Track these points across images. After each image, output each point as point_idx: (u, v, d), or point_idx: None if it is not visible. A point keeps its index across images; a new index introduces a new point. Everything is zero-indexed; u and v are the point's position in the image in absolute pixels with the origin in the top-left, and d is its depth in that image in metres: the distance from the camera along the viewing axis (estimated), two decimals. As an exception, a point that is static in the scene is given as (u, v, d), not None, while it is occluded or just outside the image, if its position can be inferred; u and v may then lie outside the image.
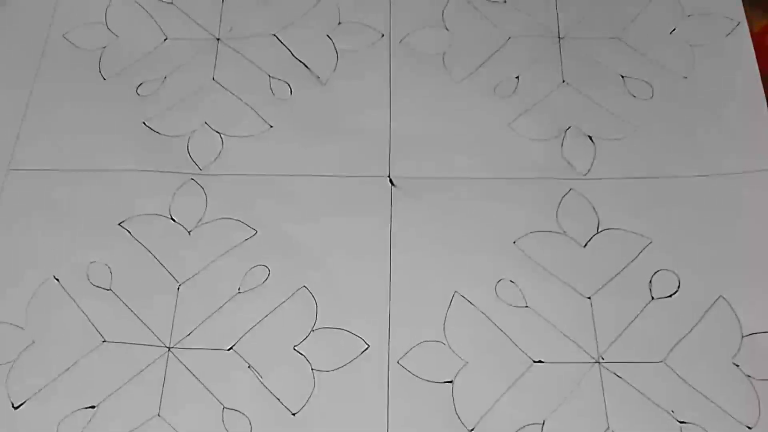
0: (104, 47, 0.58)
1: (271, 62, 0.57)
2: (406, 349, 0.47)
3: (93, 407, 0.45)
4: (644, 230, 0.50)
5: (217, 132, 0.54)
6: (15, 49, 0.58)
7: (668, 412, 0.44)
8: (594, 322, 0.47)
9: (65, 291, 0.49)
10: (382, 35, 0.58)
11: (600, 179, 0.52)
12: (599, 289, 0.48)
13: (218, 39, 0.58)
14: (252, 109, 0.55)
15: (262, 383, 0.46)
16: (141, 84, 0.56)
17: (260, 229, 0.51)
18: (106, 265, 0.50)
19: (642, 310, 0.47)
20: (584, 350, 0.46)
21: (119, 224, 0.51)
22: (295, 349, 0.47)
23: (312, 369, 0.46)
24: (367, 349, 0.47)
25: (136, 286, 0.49)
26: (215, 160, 0.53)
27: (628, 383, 0.45)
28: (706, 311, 0.47)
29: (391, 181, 0.52)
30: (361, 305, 0.48)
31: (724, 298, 0.47)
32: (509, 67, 0.56)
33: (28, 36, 0.59)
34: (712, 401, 0.44)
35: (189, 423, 0.45)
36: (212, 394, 0.46)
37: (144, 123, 0.55)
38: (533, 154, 0.53)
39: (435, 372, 0.46)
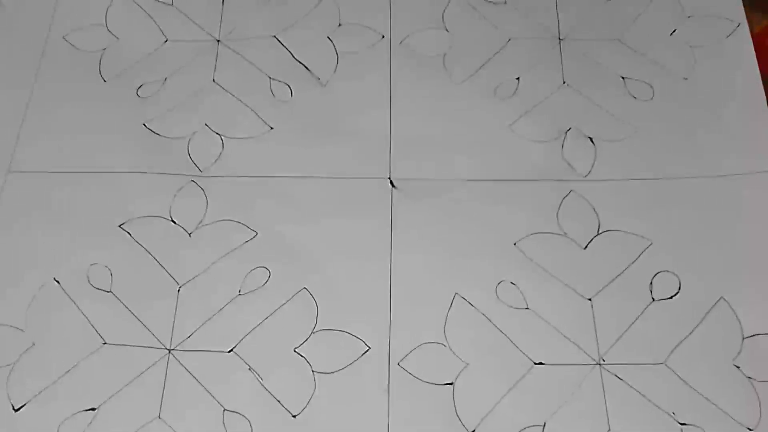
0: (104, 49, 0.58)
1: (272, 64, 0.57)
2: (406, 350, 0.47)
3: (93, 409, 0.45)
4: (645, 232, 0.50)
5: (217, 134, 0.54)
6: (15, 51, 0.58)
7: (669, 414, 0.44)
8: (595, 323, 0.47)
9: (65, 293, 0.49)
10: (383, 37, 0.58)
11: (600, 181, 0.52)
12: (600, 290, 0.48)
13: (218, 40, 0.58)
14: (252, 110, 0.55)
15: (262, 385, 0.46)
16: (141, 86, 0.56)
17: (261, 231, 0.51)
18: (107, 267, 0.50)
19: (643, 312, 0.47)
20: (585, 352, 0.46)
21: (119, 226, 0.51)
22: (295, 351, 0.47)
23: (312, 371, 0.46)
24: (367, 351, 0.47)
25: (137, 288, 0.49)
26: (215, 161, 0.53)
27: (629, 385, 0.45)
28: (707, 313, 0.47)
29: (391, 182, 0.52)
30: (362, 307, 0.48)
31: (724, 299, 0.47)
32: (510, 69, 0.56)
33: (28, 38, 0.59)
34: (713, 403, 0.44)
35: (189, 425, 0.45)
36: (213, 396, 0.46)
37: (144, 125, 0.55)
38: (534, 156, 0.53)
39: (435, 374, 0.46)
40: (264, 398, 0.46)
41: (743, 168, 0.51)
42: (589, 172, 0.52)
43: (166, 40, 0.59)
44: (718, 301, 0.47)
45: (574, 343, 0.46)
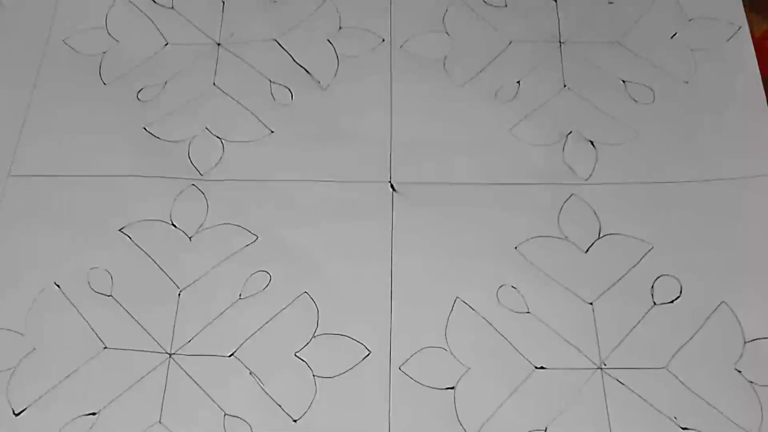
0: (105, 52, 0.58)
1: (272, 67, 0.57)
2: (407, 355, 0.47)
3: (94, 414, 0.45)
4: (646, 235, 0.49)
5: (217, 137, 0.54)
6: (15, 55, 0.58)
7: (671, 419, 0.44)
8: (596, 327, 0.47)
9: (66, 297, 0.49)
10: (383, 40, 0.58)
11: (601, 184, 0.52)
12: (601, 294, 0.48)
13: (219, 44, 0.58)
14: (253, 114, 0.55)
15: (263, 390, 0.46)
16: (142, 89, 0.56)
17: (261, 235, 0.51)
18: (107, 271, 0.50)
19: (644, 316, 0.47)
20: (586, 356, 0.46)
21: (120, 230, 0.51)
22: (296, 356, 0.47)
23: (313, 375, 0.46)
24: (368, 355, 0.47)
25: (137, 292, 0.49)
26: (216, 165, 0.53)
27: (630, 389, 0.45)
28: (708, 317, 0.47)
29: (392, 186, 0.52)
30: (363, 311, 0.48)
31: (726, 303, 0.47)
32: (510, 72, 0.56)
33: (29, 41, 0.59)
34: (714, 407, 0.44)
35: (190, 430, 0.45)
36: (213, 401, 0.46)
37: (144, 128, 0.55)
38: (534, 159, 0.53)
39: (437, 378, 0.46)
40: (265, 403, 0.45)
41: (745, 171, 0.51)
42: (590, 175, 0.52)
43: (167, 44, 0.59)
44: (719, 305, 0.47)
45: (575, 347, 0.46)
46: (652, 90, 0.55)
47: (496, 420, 0.44)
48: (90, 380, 0.46)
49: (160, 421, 0.45)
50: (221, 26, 0.59)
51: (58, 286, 0.49)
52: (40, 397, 0.46)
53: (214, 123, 0.55)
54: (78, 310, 0.48)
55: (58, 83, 0.57)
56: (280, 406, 0.45)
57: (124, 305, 0.49)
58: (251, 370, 0.46)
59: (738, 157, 0.52)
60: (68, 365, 0.47)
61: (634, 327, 0.47)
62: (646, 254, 0.49)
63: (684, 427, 0.44)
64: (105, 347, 0.47)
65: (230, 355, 0.47)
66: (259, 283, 0.49)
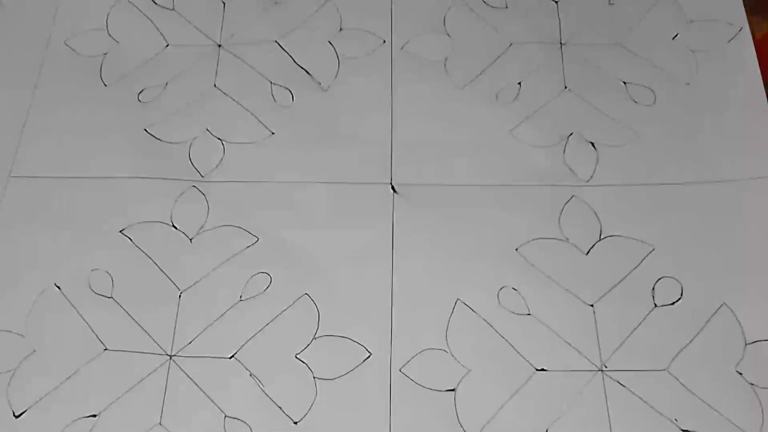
0: (105, 54, 0.58)
1: (273, 68, 0.57)
2: (408, 357, 0.47)
3: (94, 416, 0.45)
4: (647, 237, 0.49)
5: (218, 138, 0.54)
6: (16, 56, 0.58)
7: (671, 421, 0.44)
8: (597, 329, 0.47)
9: (66, 299, 0.49)
10: (384, 41, 0.58)
11: (602, 186, 0.52)
12: (602, 296, 0.48)
13: (219, 45, 0.58)
14: (253, 115, 0.55)
15: (263, 391, 0.46)
16: (142, 90, 0.56)
17: (262, 237, 0.51)
18: (107, 272, 0.50)
19: (645, 318, 0.47)
20: (587, 358, 0.46)
21: (120, 231, 0.51)
22: (296, 357, 0.47)
23: (314, 377, 0.46)
24: (369, 357, 0.47)
25: (138, 294, 0.49)
26: (217, 166, 0.53)
27: (631, 391, 0.45)
28: (709, 319, 0.47)
29: (393, 188, 0.52)
30: (363, 313, 0.48)
31: (727, 305, 0.47)
32: (511, 74, 0.56)
33: (29, 43, 0.59)
34: (715, 409, 0.44)
35: None
36: (214, 403, 0.46)
37: (145, 130, 0.55)
38: (535, 161, 0.53)
39: (437, 380, 0.46)
40: (265, 404, 0.45)
41: (746, 173, 0.51)
42: (591, 177, 0.52)
43: (167, 45, 0.59)
44: (720, 307, 0.47)
45: (576, 349, 0.46)
46: (652, 91, 0.55)
47: (496, 422, 0.44)
48: (90, 382, 0.46)
49: (160, 423, 0.45)
50: (222, 27, 0.59)
51: (58, 287, 0.49)
52: (41, 399, 0.46)
53: (214, 124, 0.55)
54: (78, 312, 0.48)
55: (59, 84, 0.57)
56: (280, 408, 0.45)
57: (124, 307, 0.49)
58: (252, 371, 0.46)
59: (739, 158, 0.52)
60: (68, 367, 0.47)
61: (635, 329, 0.47)
62: (647, 256, 0.49)
63: (685, 429, 0.44)
64: (105, 349, 0.47)
65: (231, 357, 0.47)
66: (260, 284, 0.49)
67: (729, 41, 0.56)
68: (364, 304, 0.48)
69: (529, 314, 0.48)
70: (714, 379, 0.45)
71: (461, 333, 0.47)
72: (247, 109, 0.55)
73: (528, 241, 0.50)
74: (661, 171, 0.52)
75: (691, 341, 0.46)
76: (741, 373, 0.45)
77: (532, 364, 0.46)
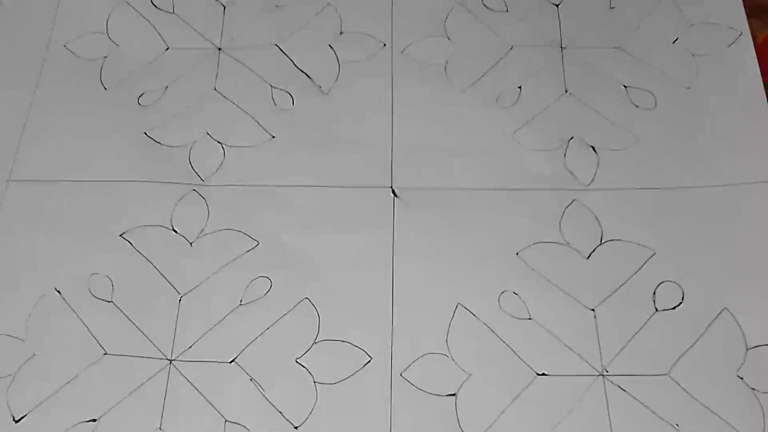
0: (105, 57, 0.58)
1: (273, 72, 0.57)
2: (408, 361, 0.46)
3: (94, 420, 0.45)
4: (648, 241, 0.49)
5: (218, 142, 0.54)
6: (16, 60, 0.58)
7: (672, 426, 0.44)
8: (598, 334, 0.47)
9: (66, 303, 0.49)
10: (384, 45, 0.58)
11: (603, 190, 0.51)
12: (603, 300, 0.48)
13: (220, 49, 0.58)
14: (253, 119, 0.55)
15: (264, 396, 0.46)
16: (142, 94, 0.56)
17: (262, 241, 0.51)
18: (107, 276, 0.50)
19: (646, 322, 0.47)
20: (588, 363, 0.46)
21: (120, 235, 0.51)
22: (297, 362, 0.47)
23: (314, 381, 0.46)
24: (369, 361, 0.46)
25: (138, 298, 0.49)
26: (217, 170, 0.53)
27: (632, 396, 0.45)
28: (710, 324, 0.47)
29: (393, 192, 0.52)
30: (364, 317, 0.48)
31: (728, 310, 0.47)
32: (511, 77, 0.56)
33: (29, 46, 0.59)
34: (716, 414, 0.44)
35: (191, 436, 0.45)
36: (214, 407, 0.45)
37: (145, 133, 0.55)
38: (536, 165, 0.53)
39: (438, 385, 0.46)
40: (265, 409, 0.45)
41: (746, 177, 0.51)
42: (592, 181, 0.52)
43: (168, 48, 0.59)
44: (721, 311, 0.47)
45: (576, 353, 0.46)
46: (653, 95, 0.55)
47: (497, 427, 0.44)
48: (90, 386, 0.46)
49: (160, 428, 0.45)
50: (222, 31, 0.59)
51: (58, 291, 0.49)
52: (41, 404, 0.46)
53: (214, 128, 0.55)
54: (78, 316, 0.48)
55: (59, 88, 0.57)
56: (280, 412, 0.45)
57: (124, 311, 0.48)
58: (252, 376, 0.46)
59: (740, 162, 0.52)
60: (68, 371, 0.47)
61: (636, 333, 0.47)
62: (648, 260, 0.49)
63: (686, 434, 0.44)
64: (105, 353, 0.47)
65: (231, 362, 0.47)
66: (260, 288, 0.49)
67: (729, 45, 0.56)
68: (364, 308, 0.48)
69: (529, 318, 0.47)
70: (715, 383, 0.45)
71: (462, 337, 0.47)
72: (247, 113, 0.55)
73: (529, 245, 0.50)
74: (661, 175, 0.52)
75: (692, 346, 0.46)
76: (742, 378, 0.45)
77: (532, 369, 0.46)
